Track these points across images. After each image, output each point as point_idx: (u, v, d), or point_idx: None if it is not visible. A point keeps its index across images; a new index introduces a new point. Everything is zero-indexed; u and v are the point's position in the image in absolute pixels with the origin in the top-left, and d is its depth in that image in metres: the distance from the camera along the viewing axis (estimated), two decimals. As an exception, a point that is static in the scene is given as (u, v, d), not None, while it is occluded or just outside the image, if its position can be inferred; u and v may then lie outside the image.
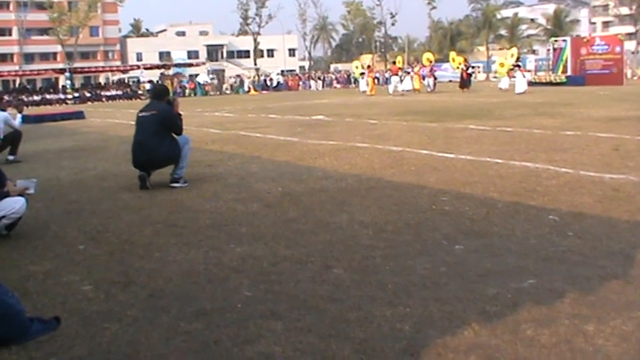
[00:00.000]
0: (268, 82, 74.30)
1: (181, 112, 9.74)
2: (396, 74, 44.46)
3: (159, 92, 9.94)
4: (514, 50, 45.75)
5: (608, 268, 4.92)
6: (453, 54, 51.36)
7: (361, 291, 4.66)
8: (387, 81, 54.86)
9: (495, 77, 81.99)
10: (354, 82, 69.60)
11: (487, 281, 4.74)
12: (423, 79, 46.34)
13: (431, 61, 48.18)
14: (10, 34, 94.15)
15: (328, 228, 6.56)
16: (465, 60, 47.63)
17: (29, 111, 26.20)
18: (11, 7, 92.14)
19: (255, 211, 7.55)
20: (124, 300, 4.71)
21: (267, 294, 4.68)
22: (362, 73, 53.72)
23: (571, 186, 8.23)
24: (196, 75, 75.36)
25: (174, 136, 9.43)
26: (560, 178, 8.82)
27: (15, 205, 6.60)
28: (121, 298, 4.76)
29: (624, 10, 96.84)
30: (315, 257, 5.51)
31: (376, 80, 47.48)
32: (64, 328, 4.08)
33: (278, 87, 72.98)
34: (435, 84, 45.19)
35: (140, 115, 9.50)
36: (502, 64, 43.03)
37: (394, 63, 47.32)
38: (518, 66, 38.95)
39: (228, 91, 70.76)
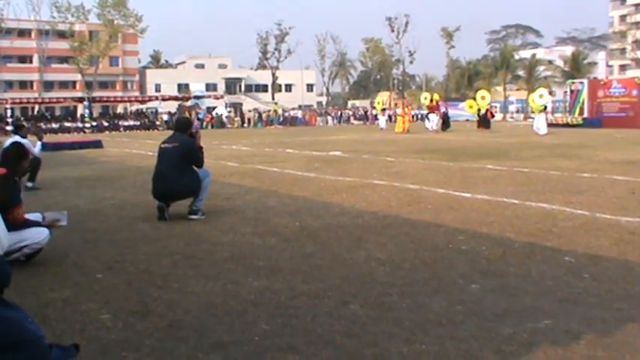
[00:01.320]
0: (273, 116, 74.62)
1: (202, 145, 9.85)
2: (434, 111, 44.03)
3: (182, 124, 10.05)
4: (544, 91, 45.32)
5: (624, 311, 4.94)
6: (483, 92, 49.75)
7: (378, 327, 4.69)
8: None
9: (512, 118, 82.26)
10: (371, 120, 69.85)
11: (503, 321, 4.76)
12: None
13: (437, 101, 47.59)
14: (31, 62, 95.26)
15: (345, 264, 6.60)
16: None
17: (47, 138, 26.45)
18: (33, 35, 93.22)
19: (272, 245, 7.60)
20: (142, 329, 4.76)
21: (284, 328, 4.72)
22: (383, 109, 53.78)
23: (587, 228, 8.24)
24: (214, 107, 75.85)
25: (195, 168, 9.53)
26: (577, 219, 8.83)
27: (39, 235, 6.70)
28: (139, 327, 4.81)
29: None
30: (332, 292, 5.55)
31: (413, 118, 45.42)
32: (82, 356, 4.11)
33: (294, 122, 73.36)
34: (443, 123, 44.44)
35: (162, 146, 9.62)
36: (542, 96, 42.52)
37: (431, 100, 46.75)
38: (545, 108, 38.95)
39: (245, 125, 71.17)
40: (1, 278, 3.82)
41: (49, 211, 7.54)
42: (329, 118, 76.67)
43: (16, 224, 6.42)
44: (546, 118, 37.70)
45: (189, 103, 70.61)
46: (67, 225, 7.39)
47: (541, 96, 41.40)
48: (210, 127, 64.56)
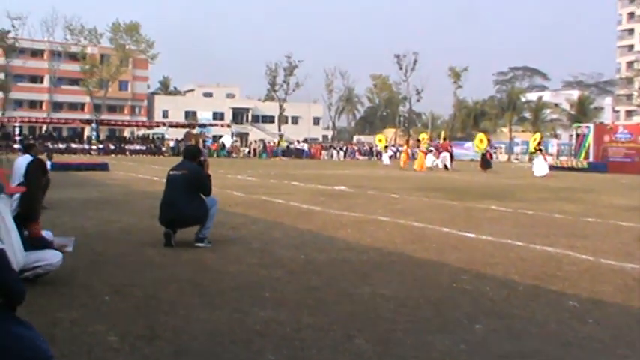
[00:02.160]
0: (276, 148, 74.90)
1: (210, 174, 9.93)
2: (447, 150, 44.27)
3: (191, 152, 10.14)
4: (537, 135, 45.83)
5: (628, 358, 4.97)
6: (481, 135, 50.16)
7: (383, 363, 4.73)
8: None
9: (517, 159, 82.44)
10: (377, 156, 70.13)
11: (507, 362, 4.80)
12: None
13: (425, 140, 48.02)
14: (42, 82, 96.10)
15: (350, 299, 6.64)
16: (489, 141, 47.77)
17: (54, 159, 26.65)
18: (45, 55, 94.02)
19: (278, 276, 7.64)
20: (149, 354, 4.80)
21: (290, 359, 4.76)
22: (386, 147, 54.38)
23: (591, 273, 8.26)
24: (220, 136, 76.17)
25: (203, 196, 9.60)
26: (581, 264, 8.85)
27: (54, 258, 6.80)
28: (146, 351, 4.85)
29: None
30: (337, 326, 5.59)
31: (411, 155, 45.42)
32: (90, 378, 4.15)
33: (300, 154, 73.68)
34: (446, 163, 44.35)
35: (171, 173, 9.70)
36: (535, 139, 42.91)
37: (445, 139, 47.32)
38: (540, 150, 39.12)
39: (250, 155, 71.37)
40: (16, 296, 3.88)
41: (58, 236, 7.60)
42: (334, 152, 76.98)
43: (33, 239, 6.55)
44: (544, 160, 37.71)
45: (195, 131, 70.97)
46: (72, 251, 7.46)
47: (534, 140, 41.62)
48: (215, 155, 64.67)
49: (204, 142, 64.58)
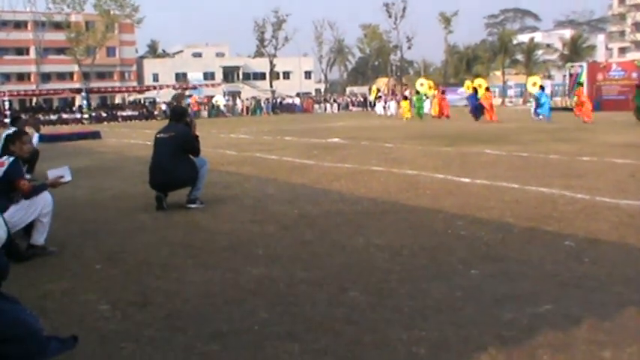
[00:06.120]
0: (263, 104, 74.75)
1: (198, 134, 9.81)
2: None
3: (178, 114, 9.99)
4: (536, 79, 45.30)
5: (624, 295, 4.91)
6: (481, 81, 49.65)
7: (377, 314, 4.67)
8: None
9: (511, 102, 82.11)
10: (371, 106, 69.94)
11: (503, 306, 4.74)
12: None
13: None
14: (28, 54, 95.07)
15: (344, 251, 6.58)
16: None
17: (45, 130, 26.44)
18: (29, 26, 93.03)
19: (271, 232, 7.58)
20: (141, 320, 4.74)
21: (283, 316, 4.70)
22: (378, 97, 54.46)
23: (587, 212, 8.20)
24: (212, 96, 75.71)
25: (192, 157, 9.50)
26: (576, 204, 8.79)
27: (41, 202, 6.75)
28: (138, 317, 4.79)
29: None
30: (331, 280, 5.53)
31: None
32: (81, 347, 4.06)
33: (293, 109, 73.46)
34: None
35: (158, 136, 9.58)
36: (535, 84, 42.52)
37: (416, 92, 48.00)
38: (542, 88, 38.47)
39: (243, 113, 71.08)
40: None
41: (51, 169, 7.49)
42: (327, 105, 76.71)
43: (25, 194, 6.60)
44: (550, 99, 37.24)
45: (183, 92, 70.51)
46: (72, 179, 7.38)
47: (534, 84, 41.20)
48: (207, 115, 64.06)
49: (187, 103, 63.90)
